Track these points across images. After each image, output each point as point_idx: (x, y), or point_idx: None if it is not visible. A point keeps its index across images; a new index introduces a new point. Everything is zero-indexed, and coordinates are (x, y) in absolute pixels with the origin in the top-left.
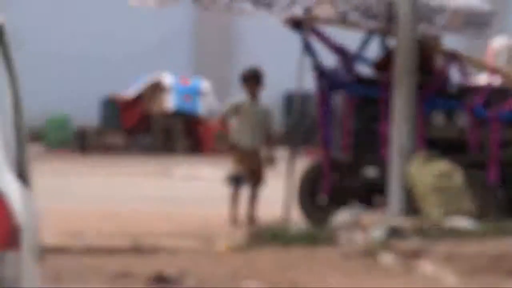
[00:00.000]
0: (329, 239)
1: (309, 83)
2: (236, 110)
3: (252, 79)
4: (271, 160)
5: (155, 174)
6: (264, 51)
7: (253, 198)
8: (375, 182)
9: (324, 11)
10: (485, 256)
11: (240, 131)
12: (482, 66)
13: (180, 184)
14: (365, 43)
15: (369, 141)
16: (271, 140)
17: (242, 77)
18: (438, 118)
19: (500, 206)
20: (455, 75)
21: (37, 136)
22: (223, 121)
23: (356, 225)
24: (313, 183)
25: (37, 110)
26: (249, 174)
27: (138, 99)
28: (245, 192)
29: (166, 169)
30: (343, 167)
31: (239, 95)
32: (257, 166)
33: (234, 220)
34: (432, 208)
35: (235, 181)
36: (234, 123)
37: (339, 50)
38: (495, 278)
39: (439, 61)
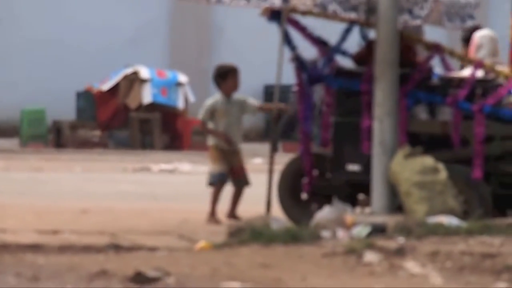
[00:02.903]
0: (312, 237)
1: (289, 75)
2: (211, 112)
3: (224, 77)
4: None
5: (132, 169)
6: (243, 43)
7: (237, 197)
8: (358, 178)
9: (302, 1)
10: (471, 254)
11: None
12: (465, 59)
13: (158, 179)
14: (345, 34)
15: (350, 135)
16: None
17: (215, 75)
18: (421, 112)
19: (485, 202)
20: (437, 68)
21: (12, 130)
22: (202, 126)
23: (339, 222)
24: (294, 179)
25: (11, 103)
26: (230, 172)
27: (114, 92)
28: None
29: (143, 164)
30: (324, 163)
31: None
32: (238, 163)
33: (214, 218)
34: (416, 205)
35: (219, 178)
36: (211, 124)
37: (318, 42)
38: (480, 277)
39: (421, 54)
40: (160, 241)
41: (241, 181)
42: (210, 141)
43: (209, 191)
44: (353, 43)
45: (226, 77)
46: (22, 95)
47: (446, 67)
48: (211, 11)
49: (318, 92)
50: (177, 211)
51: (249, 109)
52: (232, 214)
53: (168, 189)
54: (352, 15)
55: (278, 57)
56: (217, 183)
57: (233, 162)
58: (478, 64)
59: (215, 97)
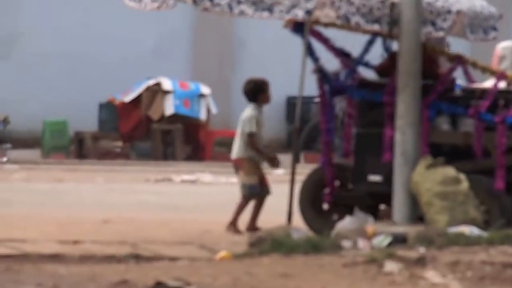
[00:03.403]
0: (333, 247)
1: (311, 87)
2: (256, 124)
3: (264, 89)
4: (276, 162)
5: (154, 180)
6: (265, 54)
7: (259, 207)
8: (379, 189)
9: (325, 13)
10: (492, 264)
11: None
12: (487, 70)
13: (180, 190)
14: (367, 46)
15: (372, 146)
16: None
17: (253, 88)
18: (443, 123)
19: (507, 212)
20: (460, 79)
21: (34, 141)
22: (253, 139)
23: (360, 232)
24: (315, 190)
25: (33, 114)
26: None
27: (136, 103)
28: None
29: (165, 175)
30: (346, 173)
31: (240, 100)
32: (263, 173)
33: (235, 227)
34: (437, 215)
35: (256, 190)
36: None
37: (341, 54)
38: (501, 287)
39: (444, 65)
40: (181, 251)
41: (265, 190)
42: (245, 153)
43: (232, 201)
44: (376, 54)
45: (264, 89)
46: (45, 106)
47: (469, 78)
48: (233, 23)
49: (340, 103)
50: (198, 222)
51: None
52: (252, 226)
53: (190, 200)
54: (375, 27)
55: (300, 68)
56: (252, 195)
57: (261, 172)
58: (500, 75)
59: (252, 108)
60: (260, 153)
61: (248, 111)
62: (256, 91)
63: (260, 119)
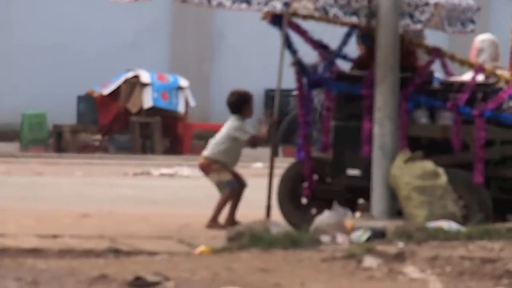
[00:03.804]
0: (311, 242)
1: (289, 80)
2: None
3: (249, 102)
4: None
5: (132, 174)
6: (243, 47)
7: (237, 201)
8: (358, 183)
9: (303, 5)
10: (471, 259)
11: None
12: (465, 63)
13: (158, 184)
14: (345, 38)
15: (350, 140)
16: None
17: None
18: (421, 116)
19: (485, 207)
20: (438, 72)
21: (12, 134)
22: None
23: (338, 227)
24: (293, 184)
25: (12, 107)
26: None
27: (115, 96)
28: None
29: (144, 169)
30: (324, 167)
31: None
32: (234, 171)
33: (218, 223)
34: (416, 210)
35: (236, 184)
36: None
37: (320, 46)
38: (480, 282)
39: (422, 58)
40: (160, 246)
41: (241, 183)
42: (218, 156)
43: (210, 195)
44: (354, 47)
45: (248, 102)
46: (23, 99)
47: (447, 71)
48: (211, 15)
49: (319, 96)
50: (177, 216)
51: None
52: (231, 220)
53: (168, 194)
54: (353, 19)
55: (279, 61)
56: (233, 189)
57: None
58: (478, 69)
59: (236, 118)
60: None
61: (233, 121)
62: (240, 103)
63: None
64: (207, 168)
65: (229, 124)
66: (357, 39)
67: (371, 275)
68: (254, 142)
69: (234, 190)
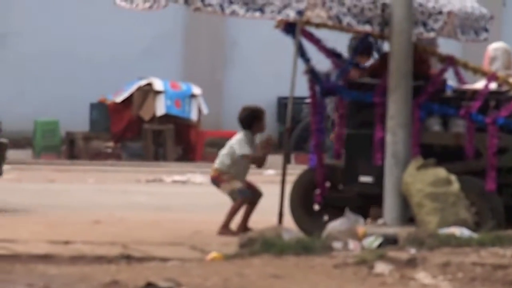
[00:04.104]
0: (323, 248)
1: (302, 88)
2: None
3: (260, 118)
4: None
5: (145, 181)
6: (256, 55)
7: (251, 209)
8: (370, 190)
9: (317, 14)
10: (482, 265)
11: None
12: (478, 71)
13: (171, 191)
14: (359, 46)
15: (363, 147)
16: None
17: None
18: (434, 124)
19: (498, 214)
20: (451, 80)
21: (25, 141)
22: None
23: (350, 233)
24: (306, 191)
25: (24, 114)
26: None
27: (128, 104)
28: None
29: (156, 176)
30: (337, 174)
31: (231, 100)
32: (246, 181)
33: (229, 230)
34: (428, 217)
35: (248, 193)
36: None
37: (333, 54)
38: None
39: (435, 66)
40: (172, 252)
41: (256, 193)
42: (228, 169)
43: (222, 202)
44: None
45: (260, 117)
46: (36, 106)
47: (460, 79)
48: (225, 23)
49: (331, 104)
50: (189, 222)
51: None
52: (243, 227)
53: (181, 200)
54: (367, 28)
55: (292, 69)
56: (246, 198)
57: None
58: (491, 77)
59: (244, 134)
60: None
61: (240, 135)
62: (252, 119)
63: (251, 145)
64: (218, 179)
65: (235, 138)
66: (348, 50)
67: (382, 281)
68: (254, 162)
69: (246, 198)
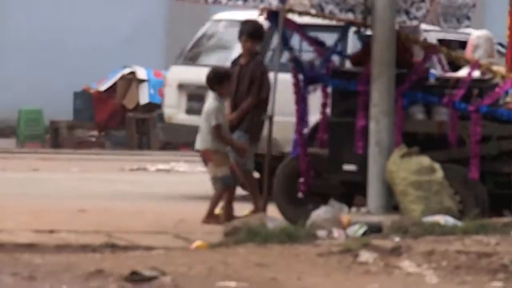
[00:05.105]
0: (308, 237)
1: None
2: (222, 114)
3: (220, 82)
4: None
5: (129, 169)
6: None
7: (231, 196)
8: (354, 178)
9: (299, 2)
10: (467, 253)
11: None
12: (461, 59)
13: (155, 179)
14: (341, 35)
15: (346, 136)
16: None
17: (211, 78)
18: (418, 112)
19: (481, 202)
20: (434, 68)
21: (9, 130)
22: (219, 131)
23: (335, 222)
24: (290, 179)
25: (8, 103)
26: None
27: (111, 92)
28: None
29: (140, 164)
30: (321, 163)
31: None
32: (232, 164)
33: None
34: (412, 205)
35: (232, 180)
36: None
37: (316, 43)
38: (476, 276)
39: (417, 54)
40: (156, 241)
41: (236, 179)
42: (213, 145)
43: (207, 190)
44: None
45: (222, 82)
46: (19, 95)
47: (442, 67)
48: (208, 11)
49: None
50: (174, 211)
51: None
52: (228, 215)
53: (165, 189)
54: (349, 16)
55: (275, 58)
56: (229, 185)
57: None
58: (474, 64)
59: (214, 98)
60: (229, 144)
61: (211, 101)
62: (214, 82)
63: (223, 108)
64: (208, 157)
65: (206, 108)
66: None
67: (367, 269)
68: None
69: (228, 186)
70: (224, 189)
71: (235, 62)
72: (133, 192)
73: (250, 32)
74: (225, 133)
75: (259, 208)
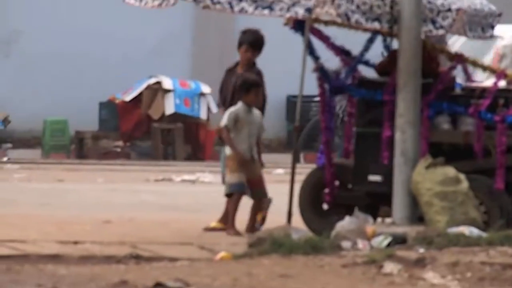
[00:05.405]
0: (332, 248)
1: (311, 86)
2: (235, 120)
3: (247, 91)
4: (261, 166)
5: (154, 180)
6: (265, 53)
7: (256, 209)
8: (379, 189)
9: (325, 11)
10: (491, 265)
11: (237, 141)
12: (487, 69)
13: (180, 190)
14: (367, 44)
15: (372, 146)
16: (260, 148)
17: (238, 86)
18: (443, 122)
19: (507, 213)
20: (460, 77)
21: (34, 140)
22: (224, 132)
23: (359, 233)
24: (315, 190)
25: (34, 114)
26: (248, 183)
27: (137, 103)
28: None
29: (165, 175)
30: (346, 173)
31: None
32: (257, 174)
33: (235, 229)
34: (437, 216)
35: (237, 189)
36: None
37: (342, 52)
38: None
39: (444, 63)
40: (181, 252)
41: (259, 192)
42: (228, 150)
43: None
44: (376, 53)
45: (248, 91)
46: (45, 106)
47: (469, 77)
48: (234, 21)
49: (341, 102)
50: (198, 222)
51: (261, 130)
52: (252, 227)
53: (190, 200)
54: (375, 25)
55: (301, 67)
56: (235, 193)
57: (251, 173)
58: (500, 74)
59: (238, 106)
60: (232, 148)
61: (232, 108)
62: (239, 90)
63: (243, 116)
64: (226, 163)
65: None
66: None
67: (391, 280)
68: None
69: (240, 193)
70: (236, 198)
71: (230, 70)
72: (158, 203)
73: (251, 42)
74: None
75: (225, 220)
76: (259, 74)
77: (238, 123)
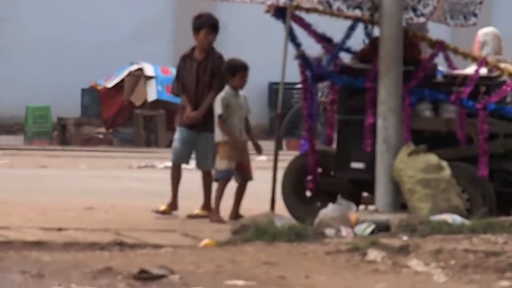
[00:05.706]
0: (316, 235)
1: (293, 73)
2: (226, 106)
3: (233, 73)
4: (259, 149)
5: (137, 167)
6: (247, 40)
7: (241, 194)
8: (362, 176)
9: None
10: (474, 252)
11: (230, 127)
12: (469, 56)
13: (163, 176)
14: (349, 32)
15: (354, 133)
16: (251, 132)
17: (225, 69)
18: (425, 110)
19: (489, 200)
20: (441, 65)
21: (16, 127)
22: (218, 121)
23: (343, 220)
24: (298, 177)
25: (16, 100)
26: (237, 167)
27: (119, 89)
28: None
29: (148, 161)
30: (329, 161)
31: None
32: (246, 159)
33: (219, 216)
34: (420, 203)
35: (225, 175)
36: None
37: (323, 39)
38: (484, 275)
39: (425, 51)
40: (165, 239)
41: (246, 175)
42: (218, 137)
43: (213, 189)
44: (358, 40)
45: (234, 74)
46: (27, 92)
47: (450, 64)
48: (215, 8)
49: (322, 90)
50: (181, 209)
51: (247, 112)
52: (236, 212)
53: None
54: (357, 13)
55: (282, 54)
56: (223, 179)
57: (241, 157)
58: (482, 62)
59: (226, 90)
60: (229, 136)
61: (221, 93)
62: (226, 73)
63: (232, 101)
64: (215, 149)
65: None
66: None
67: (375, 268)
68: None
69: (226, 180)
70: (222, 183)
71: (186, 56)
72: (141, 189)
73: (211, 25)
74: (225, 125)
75: (208, 207)
76: (221, 57)
77: (229, 108)
